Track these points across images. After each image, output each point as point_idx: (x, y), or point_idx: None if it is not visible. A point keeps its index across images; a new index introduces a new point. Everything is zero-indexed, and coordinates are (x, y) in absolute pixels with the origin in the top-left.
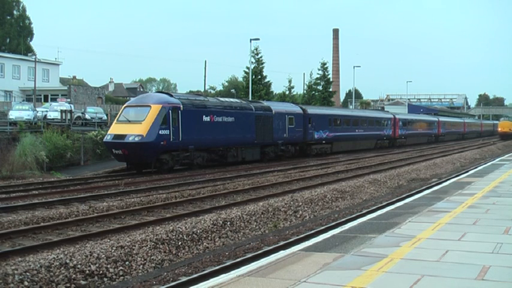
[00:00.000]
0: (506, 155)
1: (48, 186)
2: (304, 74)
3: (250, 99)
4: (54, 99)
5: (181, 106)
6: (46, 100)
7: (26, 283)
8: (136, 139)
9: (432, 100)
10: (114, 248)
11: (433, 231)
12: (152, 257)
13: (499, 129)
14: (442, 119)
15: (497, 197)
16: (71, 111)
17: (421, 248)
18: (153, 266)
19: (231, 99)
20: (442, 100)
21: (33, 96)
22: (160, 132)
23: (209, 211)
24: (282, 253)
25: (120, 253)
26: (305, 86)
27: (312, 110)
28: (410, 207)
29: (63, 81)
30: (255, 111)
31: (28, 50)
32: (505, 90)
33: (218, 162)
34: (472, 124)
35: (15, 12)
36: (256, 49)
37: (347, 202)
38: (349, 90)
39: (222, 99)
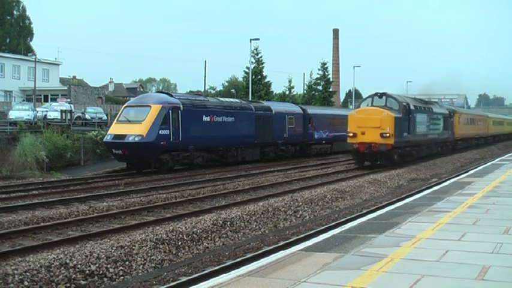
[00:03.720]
0: (506, 155)
1: (48, 186)
2: (304, 74)
3: (250, 99)
4: (54, 99)
5: (182, 106)
6: (46, 100)
7: (26, 283)
8: (136, 139)
9: (432, 100)
10: (114, 248)
11: (433, 231)
12: (152, 257)
13: (349, 134)
14: None
15: (497, 197)
16: (71, 111)
17: (421, 248)
18: (153, 266)
19: (231, 99)
20: (442, 100)
21: (33, 96)
22: (160, 132)
23: (209, 211)
24: (282, 253)
25: (120, 253)
26: (305, 86)
27: (312, 110)
28: (410, 207)
29: (63, 81)
30: (255, 111)
31: (28, 50)
32: (505, 90)
33: (218, 162)
34: None
35: (15, 12)
36: (256, 49)
37: (347, 202)
38: (349, 90)
39: (222, 99)
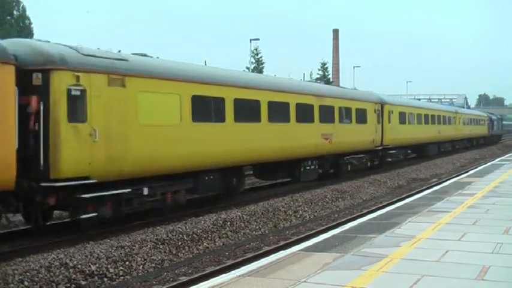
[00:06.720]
0: (506, 155)
1: None
2: (304, 74)
3: None
4: None
5: None
6: None
7: (26, 283)
8: None
9: (432, 100)
10: (114, 248)
11: (433, 231)
12: (152, 257)
13: None
14: None
15: (497, 197)
16: None
17: (421, 248)
18: (153, 266)
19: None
20: (442, 100)
21: None
22: None
23: (209, 211)
24: (282, 253)
25: (120, 253)
26: None
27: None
28: (410, 207)
29: None
30: None
31: None
32: (505, 90)
33: None
34: None
35: (15, 12)
36: (256, 49)
37: (347, 202)
38: None
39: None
